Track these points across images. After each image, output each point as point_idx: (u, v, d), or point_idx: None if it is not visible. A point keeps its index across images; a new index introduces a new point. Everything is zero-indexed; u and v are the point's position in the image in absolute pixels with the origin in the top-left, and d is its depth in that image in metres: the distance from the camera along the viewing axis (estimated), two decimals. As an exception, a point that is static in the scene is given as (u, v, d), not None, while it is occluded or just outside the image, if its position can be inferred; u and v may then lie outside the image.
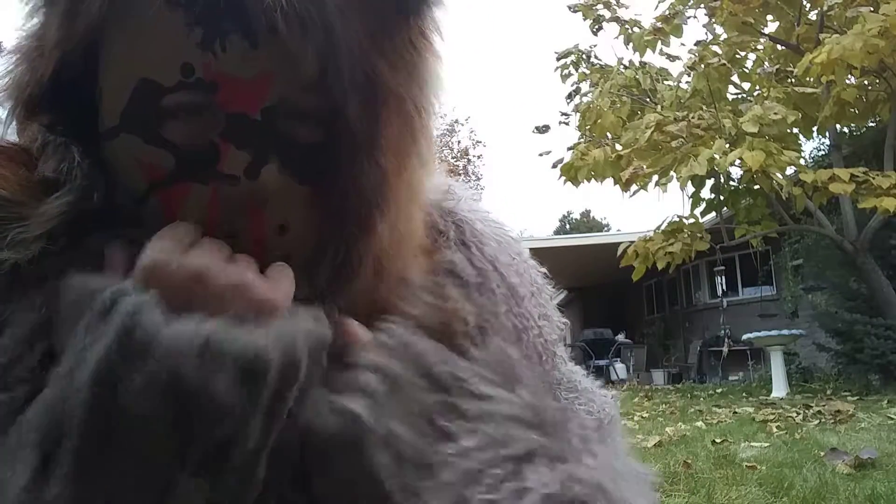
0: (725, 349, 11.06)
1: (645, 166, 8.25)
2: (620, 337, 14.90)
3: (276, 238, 0.45)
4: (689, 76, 8.98)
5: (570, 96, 10.37)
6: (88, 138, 0.46)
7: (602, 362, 14.02)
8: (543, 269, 0.63)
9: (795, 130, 8.42)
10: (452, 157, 27.47)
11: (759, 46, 9.29)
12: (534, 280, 0.61)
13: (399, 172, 0.47)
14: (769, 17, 9.26)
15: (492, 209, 0.63)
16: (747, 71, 9.37)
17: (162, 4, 0.42)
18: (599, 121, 9.23)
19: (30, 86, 0.47)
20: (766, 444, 3.95)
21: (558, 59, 10.30)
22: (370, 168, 0.46)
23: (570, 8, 9.94)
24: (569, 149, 9.50)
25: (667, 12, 9.36)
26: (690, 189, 8.82)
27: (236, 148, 0.43)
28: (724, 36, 9.07)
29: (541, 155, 9.85)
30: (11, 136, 0.49)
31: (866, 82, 8.39)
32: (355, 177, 0.46)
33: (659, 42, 9.50)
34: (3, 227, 0.43)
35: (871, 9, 7.06)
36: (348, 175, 0.46)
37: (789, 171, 7.81)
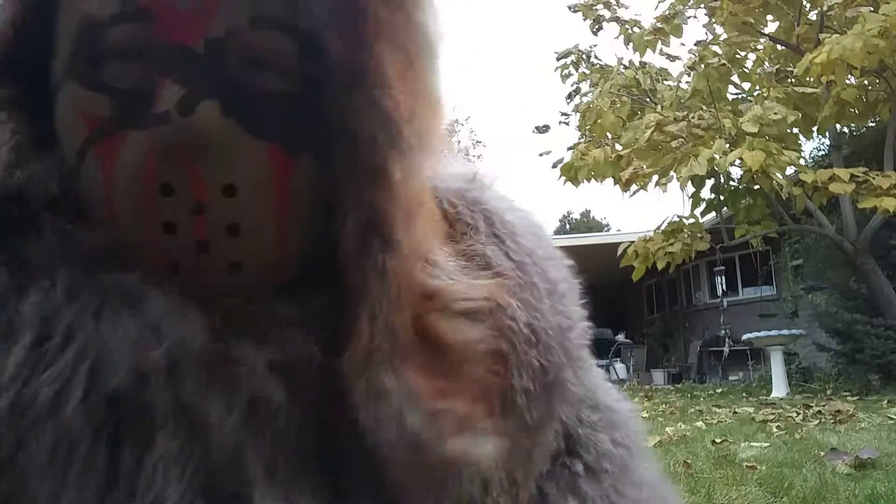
0: (726, 349, 11.06)
1: (645, 166, 8.26)
2: (620, 337, 14.89)
3: (221, 200, 0.37)
4: (689, 76, 8.98)
5: (570, 96, 10.38)
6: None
7: (602, 362, 14.02)
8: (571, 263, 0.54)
9: (795, 130, 8.42)
10: (452, 158, 27.41)
11: (759, 46, 9.30)
12: (568, 276, 0.52)
13: (408, 117, 0.39)
14: (769, 17, 9.26)
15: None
16: (747, 71, 9.38)
17: None
18: (599, 121, 9.23)
19: None
20: (766, 444, 3.95)
21: (558, 59, 10.31)
22: (368, 106, 0.38)
23: (570, 8, 9.95)
24: (569, 149, 9.50)
25: (667, 12, 9.36)
26: (690, 189, 8.82)
27: (172, 83, 0.36)
28: (724, 36, 9.07)
29: (541, 155, 9.86)
30: None
31: (866, 82, 8.39)
32: (353, 120, 0.38)
33: (659, 42, 9.50)
34: None
35: (871, 9, 7.06)
36: (342, 122, 0.39)
37: (789, 171, 7.81)
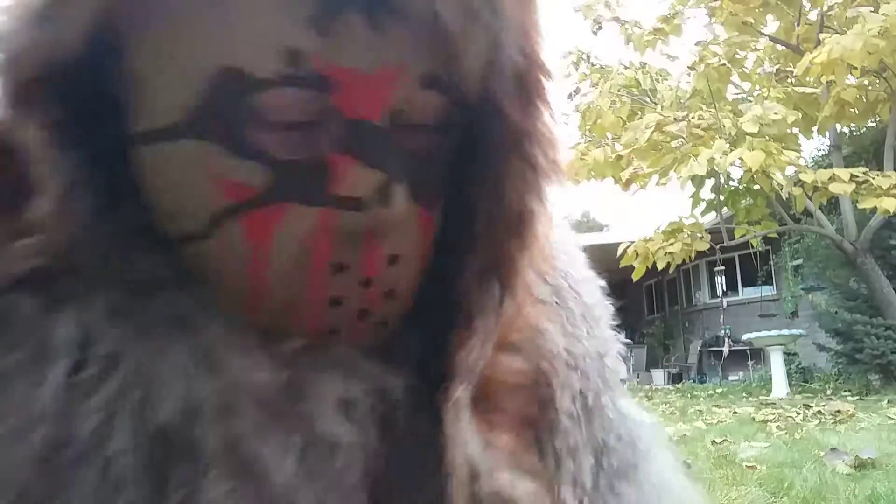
0: (726, 349, 11.06)
1: (645, 166, 8.25)
2: (620, 337, 14.88)
3: (387, 270, 0.36)
4: (689, 76, 8.98)
5: (570, 96, 10.38)
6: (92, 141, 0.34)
7: (602, 362, 14.01)
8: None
9: (795, 130, 8.42)
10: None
11: (759, 46, 9.29)
12: (601, 299, 0.51)
13: (548, 174, 0.39)
14: (769, 17, 9.26)
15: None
16: (747, 71, 9.37)
17: None
18: (599, 121, 9.23)
19: (35, 60, 0.32)
20: (766, 444, 3.95)
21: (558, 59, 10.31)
22: (523, 166, 0.38)
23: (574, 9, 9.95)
24: (569, 149, 9.50)
25: (667, 12, 9.37)
26: (690, 189, 8.81)
27: (359, 164, 0.34)
28: (724, 36, 9.07)
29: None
30: None
31: (866, 82, 8.38)
32: (499, 174, 0.38)
33: (659, 42, 9.50)
34: None
35: (871, 9, 7.06)
36: (492, 172, 0.38)
37: (789, 171, 7.80)
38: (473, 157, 0.39)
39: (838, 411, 5.22)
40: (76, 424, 0.30)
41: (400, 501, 0.38)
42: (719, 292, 11.60)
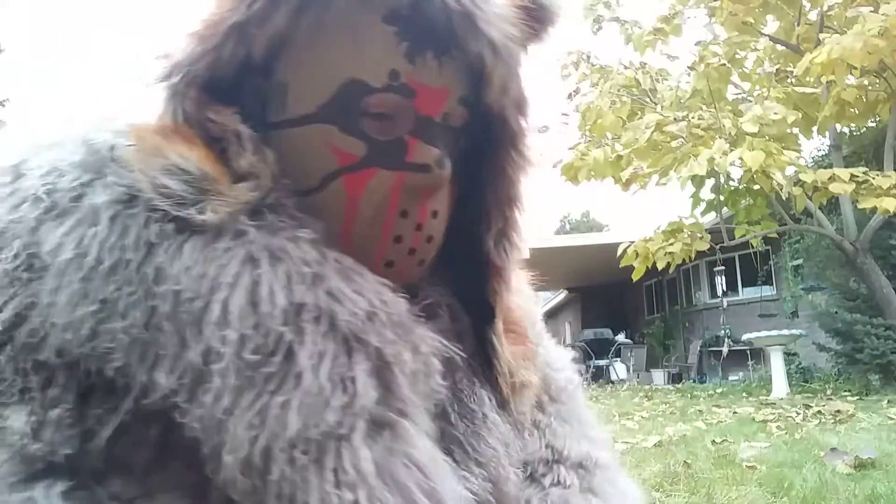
0: (725, 349, 11.06)
1: (645, 166, 8.25)
2: (620, 337, 14.89)
3: (431, 221, 0.55)
4: (689, 76, 8.97)
5: (570, 96, 10.36)
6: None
7: (602, 362, 14.02)
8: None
9: (795, 130, 8.41)
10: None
11: (759, 46, 9.28)
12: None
13: (532, 165, 0.60)
14: (769, 17, 9.26)
15: None
16: (747, 71, 9.37)
17: (380, 17, 0.51)
18: (599, 121, 9.22)
19: (209, 67, 0.51)
20: (766, 444, 3.95)
21: (558, 59, 10.30)
22: (518, 159, 0.59)
23: (570, 8, 9.94)
24: (569, 149, 9.50)
25: (667, 12, 9.36)
26: (690, 189, 8.81)
27: (424, 143, 0.53)
28: (724, 36, 9.06)
29: (541, 155, 9.83)
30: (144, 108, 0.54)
31: (866, 82, 8.38)
32: (504, 165, 0.59)
33: (659, 42, 9.49)
34: (204, 196, 0.47)
35: (871, 9, 7.05)
36: (500, 163, 0.59)
37: (789, 171, 7.80)
38: (484, 154, 0.59)
39: (838, 411, 5.22)
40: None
41: (470, 392, 0.58)
42: (719, 292, 11.60)
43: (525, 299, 0.71)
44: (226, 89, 0.52)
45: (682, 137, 7.76)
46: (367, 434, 0.44)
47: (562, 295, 22.54)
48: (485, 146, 0.59)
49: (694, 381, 11.75)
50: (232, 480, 0.42)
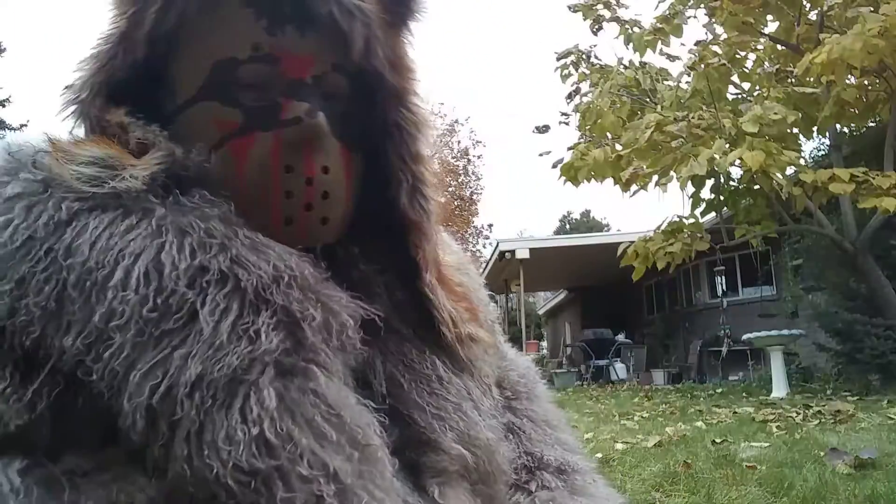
0: (725, 349, 11.05)
1: (645, 166, 8.25)
2: (620, 337, 14.89)
3: (321, 176, 0.59)
4: (689, 76, 8.97)
5: (570, 96, 10.36)
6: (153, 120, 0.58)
7: (602, 362, 14.02)
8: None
9: (795, 130, 8.41)
10: (452, 157, 27.45)
11: (759, 46, 9.28)
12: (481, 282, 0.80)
13: (426, 120, 0.64)
14: (769, 17, 9.25)
15: None
16: (747, 71, 9.36)
17: (238, 3, 0.58)
18: (599, 121, 9.21)
19: (107, 76, 0.58)
20: (766, 444, 3.95)
21: (558, 59, 10.29)
22: (409, 111, 0.63)
23: (570, 8, 9.93)
24: (569, 149, 9.49)
25: (667, 12, 9.35)
26: (690, 189, 8.81)
27: (297, 101, 0.58)
28: (724, 36, 9.06)
29: (541, 155, 9.84)
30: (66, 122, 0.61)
31: (866, 82, 8.38)
32: (397, 121, 0.63)
33: (659, 42, 9.49)
34: (119, 171, 0.53)
35: (871, 9, 7.05)
36: (392, 122, 0.63)
37: (789, 171, 7.80)
38: (378, 117, 0.64)
39: (838, 411, 5.22)
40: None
41: (421, 360, 0.61)
42: (719, 292, 11.60)
43: (471, 280, 0.74)
44: (132, 94, 0.59)
45: (682, 137, 7.76)
46: (274, 378, 0.47)
47: (562, 295, 22.54)
48: (376, 110, 0.63)
49: (694, 381, 11.75)
50: (133, 426, 0.45)
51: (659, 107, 8.96)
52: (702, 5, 9.25)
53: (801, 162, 8.10)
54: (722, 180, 8.70)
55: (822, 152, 11.18)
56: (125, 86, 0.59)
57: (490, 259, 16.48)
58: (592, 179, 9.05)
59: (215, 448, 0.44)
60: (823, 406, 5.87)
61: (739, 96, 9.63)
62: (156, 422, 0.45)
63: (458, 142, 27.18)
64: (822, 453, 3.42)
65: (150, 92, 0.61)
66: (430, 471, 0.56)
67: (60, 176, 0.52)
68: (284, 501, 0.44)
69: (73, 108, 0.59)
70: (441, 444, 0.57)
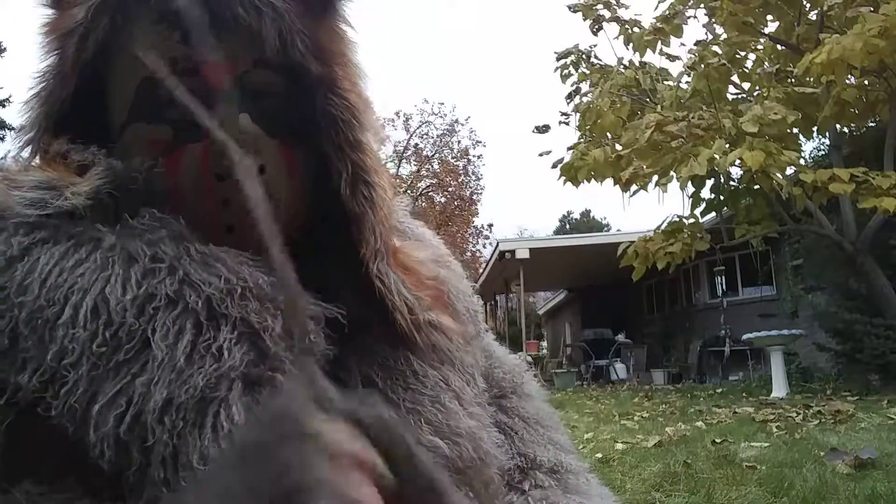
0: (726, 349, 11.06)
1: (645, 166, 8.25)
2: (620, 337, 14.89)
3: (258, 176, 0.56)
4: (689, 76, 8.97)
5: (570, 96, 10.36)
6: (102, 146, 0.59)
7: (602, 362, 14.03)
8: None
9: (795, 130, 8.41)
10: (452, 157, 27.47)
11: (759, 46, 9.29)
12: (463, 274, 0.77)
13: (361, 105, 0.62)
14: (769, 17, 9.26)
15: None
16: (747, 71, 9.37)
17: (150, 22, 0.58)
18: (599, 121, 9.22)
19: (50, 110, 0.60)
20: (766, 444, 3.95)
21: (558, 59, 10.30)
22: (341, 100, 0.60)
23: (570, 8, 9.94)
24: (569, 149, 9.50)
25: (667, 12, 9.36)
26: (690, 189, 8.81)
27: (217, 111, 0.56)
28: (724, 36, 9.06)
29: (541, 155, 9.85)
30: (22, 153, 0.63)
31: (866, 82, 8.38)
32: (328, 110, 0.60)
33: (659, 42, 9.49)
34: (62, 190, 0.54)
35: (871, 9, 7.06)
36: (322, 111, 0.60)
37: (789, 171, 7.80)
38: (314, 111, 0.61)
39: (838, 411, 5.22)
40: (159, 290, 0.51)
41: (395, 358, 0.60)
42: (719, 292, 11.60)
43: (452, 273, 0.72)
44: (81, 124, 0.61)
45: (682, 137, 7.76)
46: (243, 393, 0.48)
47: (562, 295, 22.55)
48: (310, 102, 0.62)
49: (694, 381, 11.75)
50: (101, 455, 0.46)
51: (659, 107, 8.96)
52: (702, 5, 9.25)
53: (801, 162, 8.10)
54: (722, 180, 8.70)
55: (822, 152, 11.18)
56: (75, 116, 0.60)
57: (490, 259, 16.49)
58: (592, 179, 9.06)
59: (191, 469, 0.45)
60: (823, 406, 5.87)
61: (739, 96, 9.63)
62: (127, 449, 0.46)
63: (458, 142, 27.22)
64: (822, 453, 3.42)
65: (101, 119, 0.62)
66: None
67: (8, 206, 0.53)
68: None
69: (28, 147, 0.61)
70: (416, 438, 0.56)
